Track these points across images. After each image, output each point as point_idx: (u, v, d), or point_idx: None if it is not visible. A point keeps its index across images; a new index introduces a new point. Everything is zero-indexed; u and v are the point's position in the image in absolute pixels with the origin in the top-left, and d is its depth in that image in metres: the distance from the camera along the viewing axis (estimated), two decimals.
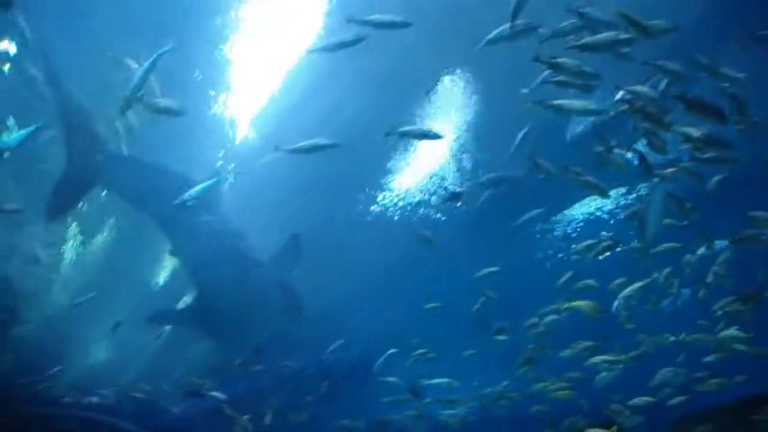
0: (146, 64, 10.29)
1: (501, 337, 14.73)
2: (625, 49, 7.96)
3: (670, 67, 8.16)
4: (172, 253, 16.06)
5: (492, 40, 8.77)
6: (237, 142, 14.07)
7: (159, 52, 10.23)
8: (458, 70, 12.61)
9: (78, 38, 11.98)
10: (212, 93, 13.07)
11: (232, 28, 12.04)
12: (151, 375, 19.57)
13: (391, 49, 11.73)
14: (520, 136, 11.27)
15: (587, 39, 7.93)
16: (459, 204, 12.47)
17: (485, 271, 13.75)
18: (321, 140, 9.78)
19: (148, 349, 19.11)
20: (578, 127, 13.50)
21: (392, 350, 16.36)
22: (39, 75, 12.31)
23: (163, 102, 10.08)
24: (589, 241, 12.85)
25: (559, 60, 8.31)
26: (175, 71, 12.18)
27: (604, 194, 10.72)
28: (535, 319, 13.95)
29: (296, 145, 9.85)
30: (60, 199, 13.62)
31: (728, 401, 15.93)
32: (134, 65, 11.31)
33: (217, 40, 12.23)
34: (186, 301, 17.43)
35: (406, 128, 10.63)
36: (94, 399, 19.41)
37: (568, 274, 13.22)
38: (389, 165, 14.62)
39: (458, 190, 12.43)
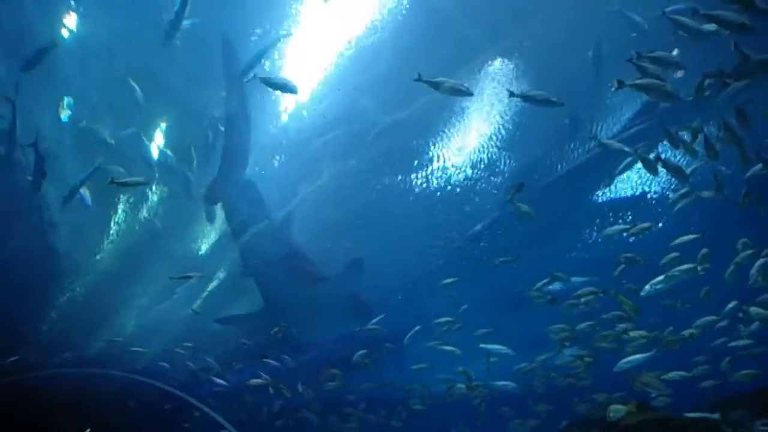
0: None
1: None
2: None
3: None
4: (245, 275, 17.76)
5: None
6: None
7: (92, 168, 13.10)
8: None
9: None
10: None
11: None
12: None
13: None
14: None
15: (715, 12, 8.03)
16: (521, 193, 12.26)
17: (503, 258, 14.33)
18: (550, 96, 9.43)
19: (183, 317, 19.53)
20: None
21: (418, 327, 16.75)
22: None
23: (279, 79, 11.04)
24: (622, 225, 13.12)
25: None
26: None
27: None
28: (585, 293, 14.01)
29: (529, 92, 9.69)
30: (214, 192, 15.66)
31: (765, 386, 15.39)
32: None
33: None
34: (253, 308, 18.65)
35: (533, 92, 10.04)
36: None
37: (621, 267, 13.25)
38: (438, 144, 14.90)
39: (521, 181, 12.30)
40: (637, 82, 8.58)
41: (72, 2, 12.08)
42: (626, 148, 11.08)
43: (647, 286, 12.22)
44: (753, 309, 13.34)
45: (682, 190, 12.27)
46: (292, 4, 12.33)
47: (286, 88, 11.11)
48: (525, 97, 9.80)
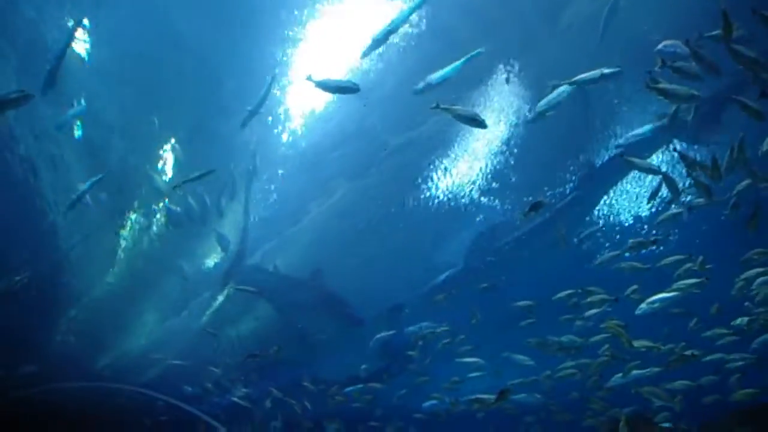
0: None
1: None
2: None
3: None
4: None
5: None
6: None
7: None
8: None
9: None
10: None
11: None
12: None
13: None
14: None
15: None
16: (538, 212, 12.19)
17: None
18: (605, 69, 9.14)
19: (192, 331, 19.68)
20: None
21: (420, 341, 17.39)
22: None
23: (336, 81, 10.69)
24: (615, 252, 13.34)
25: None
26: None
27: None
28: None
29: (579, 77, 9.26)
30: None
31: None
32: None
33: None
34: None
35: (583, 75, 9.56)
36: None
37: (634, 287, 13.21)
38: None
39: (540, 199, 12.09)
40: (661, 86, 8.66)
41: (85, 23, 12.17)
42: (652, 166, 11.21)
43: (643, 305, 12.11)
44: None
45: (675, 210, 12.40)
46: (299, 22, 12.41)
47: (345, 89, 10.68)
48: (575, 83, 9.28)
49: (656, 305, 12.03)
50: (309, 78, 10.43)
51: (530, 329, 15.66)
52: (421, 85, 11.00)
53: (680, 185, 11.62)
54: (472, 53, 10.80)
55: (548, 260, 16.55)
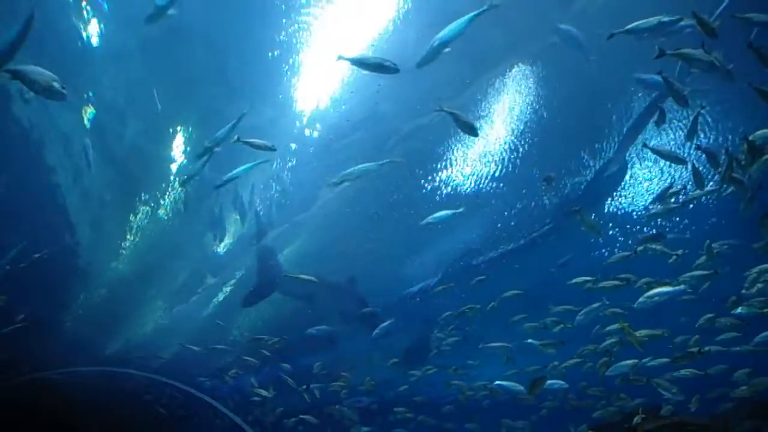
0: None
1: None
2: None
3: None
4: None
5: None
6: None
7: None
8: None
9: None
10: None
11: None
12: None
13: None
14: None
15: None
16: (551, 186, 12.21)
17: None
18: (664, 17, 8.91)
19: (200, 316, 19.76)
20: None
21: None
22: None
23: (374, 59, 10.35)
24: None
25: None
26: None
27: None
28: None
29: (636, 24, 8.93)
30: (252, 298, 18.23)
31: None
32: None
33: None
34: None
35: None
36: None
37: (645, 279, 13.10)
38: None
39: (551, 174, 11.99)
40: (679, 51, 8.53)
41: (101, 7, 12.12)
42: (678, 155, 11.22)
43: (642, 298, 12.08)
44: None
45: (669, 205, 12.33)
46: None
47: (383, 68, 9.97)
48: (631, 32, 8.97)
49: (656, 299, 12.00)
50: (341, 57, 10.33)
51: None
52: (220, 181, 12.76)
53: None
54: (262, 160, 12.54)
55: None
